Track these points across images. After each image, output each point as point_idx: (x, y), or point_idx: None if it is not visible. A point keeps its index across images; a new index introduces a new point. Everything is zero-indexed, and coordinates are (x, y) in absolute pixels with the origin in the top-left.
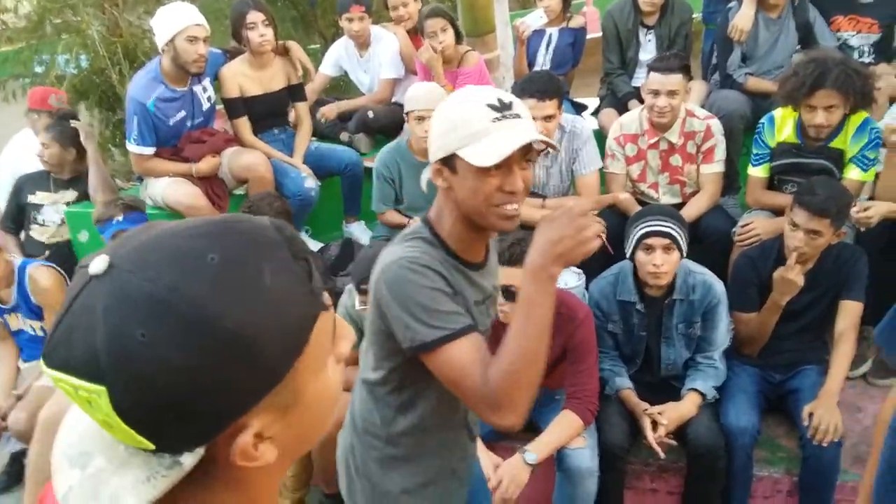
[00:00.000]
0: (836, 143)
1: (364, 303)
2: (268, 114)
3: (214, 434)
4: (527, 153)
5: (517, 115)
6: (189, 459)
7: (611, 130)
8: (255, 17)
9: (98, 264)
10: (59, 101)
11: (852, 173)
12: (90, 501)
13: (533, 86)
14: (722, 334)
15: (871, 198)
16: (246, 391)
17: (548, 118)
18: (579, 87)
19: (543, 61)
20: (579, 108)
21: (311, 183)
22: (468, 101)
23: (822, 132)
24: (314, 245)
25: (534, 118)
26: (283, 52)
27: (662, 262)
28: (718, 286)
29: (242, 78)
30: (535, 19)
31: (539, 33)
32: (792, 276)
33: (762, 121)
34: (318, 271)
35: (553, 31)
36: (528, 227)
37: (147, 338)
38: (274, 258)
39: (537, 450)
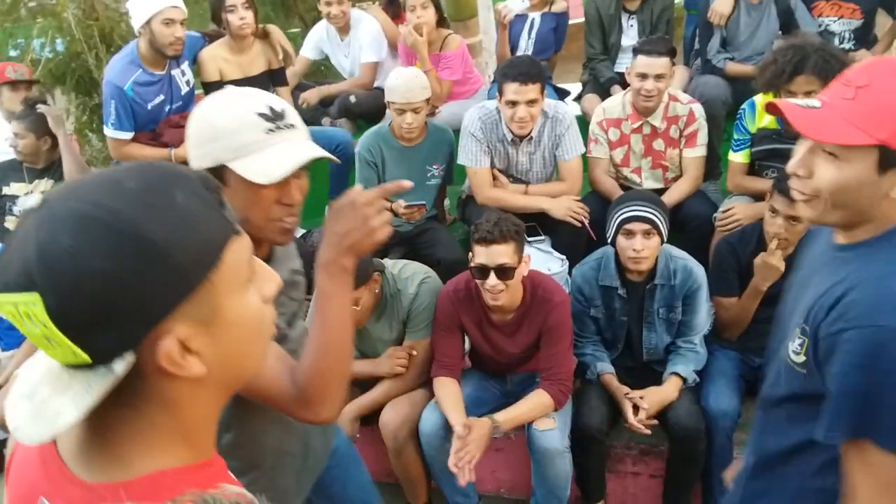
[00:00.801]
0: None
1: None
2: None
3: (140, 337)
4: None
5: (292, 126)
6: (120, 366)
7: (594, 115)
8: None
9: (33, 200)
10: (18, 74)
11: None
12: (37, 421)
13: (515, 70)
14: (702, 319)
15: None
16: (163, 294)
17: (531, 102)
18: (563, 73)
19: (526, 46)
20: (562, 94)
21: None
22: (235, 108)
23: None
24: (296, 231)
25: (517, 102)
26: (263, 36)
27: (643, 248)
28: (699, 271)
29: (222, 62)
30: (517, 3)
31: (521, 18)
32: (773, 261)
33: (743, 107)
34: (225, 208)
35: (535, 16)
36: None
37: (73, 247)
38: (186, 186)
39: (504, 418)
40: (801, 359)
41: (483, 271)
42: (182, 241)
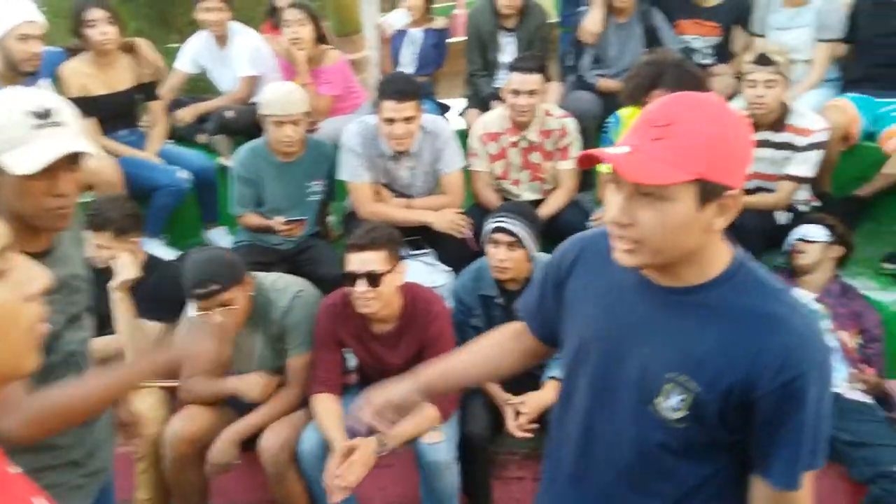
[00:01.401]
0: None
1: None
2: (114, 114)
3: None
4: (74, 159)
5: (60, 123)
6: None
7: (473, 129)
8: (95, 14)
9: None
10: None
11: None
12: None
13: (391, 87)
14: None
15: None
16: None
17: (408, 119)
18: (450, 89)
19: (408, 61)
20: (444, 109)
21: (183, 174)
22: (4, 106)
23: None
24: (171, 253)
25: (394, 120)
26: (130, 50)
27: (505, 258)
28: None
29: (85, 77)
30: (398, 19)
31: (403, 33)
32: None
33: (609, 119)
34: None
35: (417, 32)
36: (398, 227)
37: None
38: None
39: (389, 437)
40: (682, 414)
41: (352, 278)
42: None
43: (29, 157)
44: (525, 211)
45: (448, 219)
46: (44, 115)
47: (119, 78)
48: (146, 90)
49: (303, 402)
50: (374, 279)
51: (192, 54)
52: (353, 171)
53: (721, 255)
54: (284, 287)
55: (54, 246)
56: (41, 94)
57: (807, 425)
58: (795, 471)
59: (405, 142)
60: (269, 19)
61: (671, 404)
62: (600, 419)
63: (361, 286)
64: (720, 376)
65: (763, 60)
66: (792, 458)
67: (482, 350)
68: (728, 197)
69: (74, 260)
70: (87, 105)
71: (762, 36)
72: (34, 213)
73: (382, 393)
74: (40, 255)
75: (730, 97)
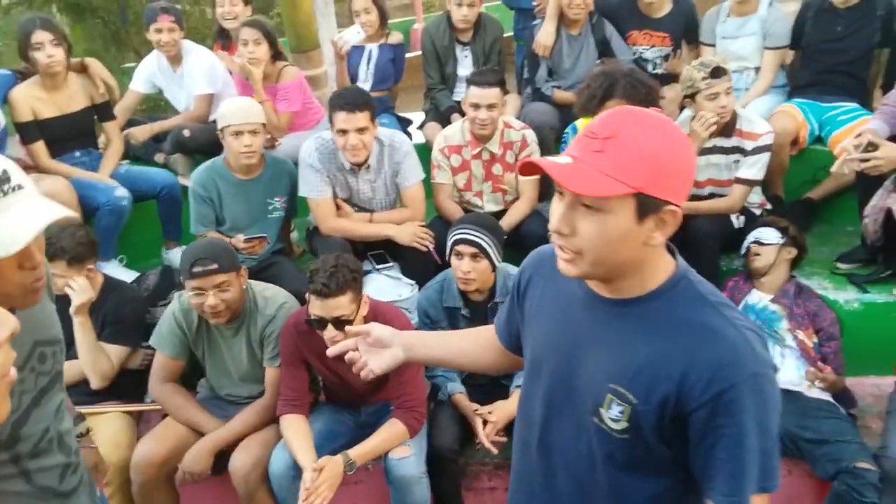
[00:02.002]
0: None
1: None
2: (68, 136)
3: None
4: None
5: (19, 187)
6: None
7: (436, 142)
8: (41, 36)
9: None
10: None
11: None
12: None
13: (342, 100)
14: None
15: None
16: None
17: (360, 130)
18: (409, 103)
19: (365, 77)
20: (405, 123)
21: (122, 192)
22: None
23: None
24: (129, 275)
25: (347, 131)
26: (82, 70)
27: (469, 270)
28: None
29: (35, 101)
30: (352, 35)
31: (359, 49)
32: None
33: (566, 130)
34: None
35: (373, 48)
36: (351, 241)
37: None
38: None
39: (357, 454)
40: (622, 426)
41: (321, 323)
42: None
43: (4, 237)
44: (487, 222)
45: (410, 232)
46: (4, 180)
47: (71, 99)
48: (100, 110)
49: (274, 422)
50: (341, 324)
51: (146, 74)
52: (313, 187)
53: (662, 268)
54: (272, 296)
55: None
56: None
57: (747, 441)
58: (741, 489)
59: (360, 153)
60: (217, 41)
61: (612, 415)
62: (555, 431)
63: (330, 332)
64: (654, 388)
65: (717, 73)
66: (736, 475)
67: (467, 338)
68: (667, 212)
69: (42, 323)
70: (38, 129)
71: (712, 45)
72: (8, 291)
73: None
74: None
75: (682, 107)
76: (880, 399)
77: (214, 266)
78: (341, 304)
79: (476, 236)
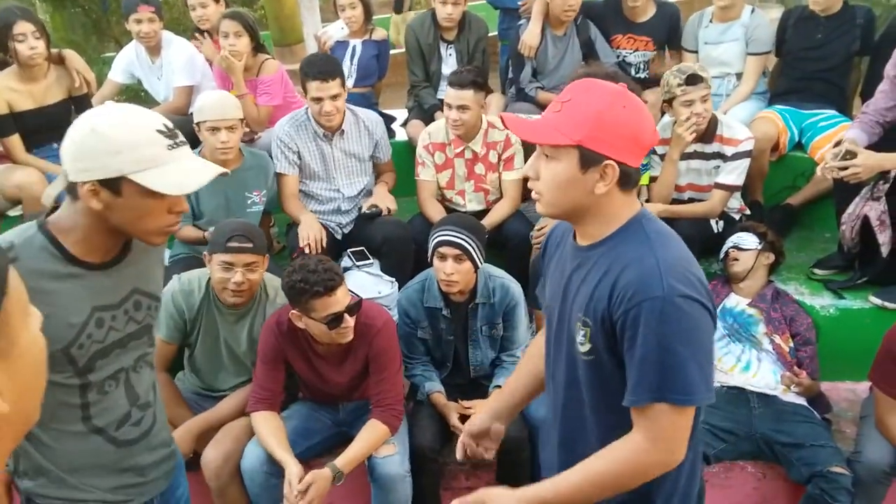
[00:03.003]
0: None
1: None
2: (45, 128)
3: None
4: None
5: (185, 143)
6: None
7: (420, 139)
8: (23, 27)
9: None
10: None
11: None
12: None
13: (314, 69)
14: (522, 333)
15: (647, 200)
16: None
17: (334, 97)
18: (393, 100)
19: (349, 72)
20: (388, 120)
21: None
22: (132, 123)
23: None
24: None
25: (321, 98)
26: (60, 62)
27: (453, 271)
28: (516, 288)
29: (10, 93)
30: (336, 30)
31: (343, 44)
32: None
33: None
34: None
35: (357, 43)
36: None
37: None
38: None
39: (344, 463)
40: (587, 347)
41: (338, 318)
42: None
43: (176, 177)
44: (470, 223)
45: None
46: (172, 134)
47: (49, 91)
48: (77, 103)
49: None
50: (352, 310)
51: (125, 65)
52: (280, 163)
53: (619, 216)
54: (279, 287)
55: (127, 256)
56: (156, 113)
57: (648, 353)
58: (638, 392)
59: (335, 118)
60: (196, 33)
61: (580, 339)
62: (556, 367)
63: (348, 321)
64: (597, 309)
65: (693, 80)
66: (639, 382)
67: (529, 359)
68: (607, 166)
69: (148, 277)
70: (14, 122)
71: (694, 52)
72: (150, 230)
73: (467, 426)
74: (110, 263)
75: (663, 112)
76: (855, 404)
77: (250, 245)
78: (344, 294)
79: (459, 238)
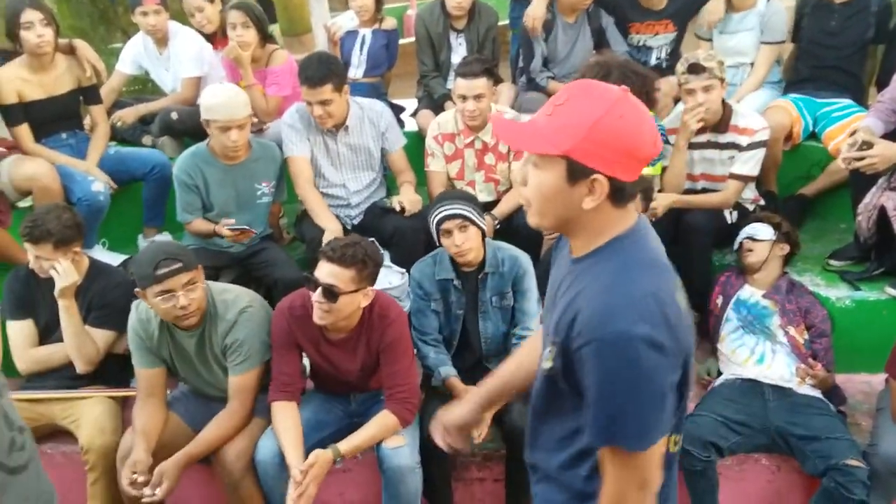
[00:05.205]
0: None
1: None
2: (54, 118)
3: None
4: None
5: None
6: None
7: (429, 130)
8: (31, 16)
9: None
10: None
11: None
12: None
13: (303, 73)
14: (534, 304)
15: (660, 190)
16: None
17: (324, 103)
18: (402, 89)
19: (358, 62)
20: (397, 110)
21: (99, 186)
22: None
23: None
24: (114, 258)
25: (310, 103)
26: (70, 52)
27: (462, 241)
28: (524, 258)
29: (20, 82)
30: (346, 20)
31: (353, 34)
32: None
33: None
34: None
35: (366, 33)
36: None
37: None
38: None
39: (346, 448)
40: (549, 364)
41: (314, 284)
42: None
43: None
44: (459, 193)
45: (414, 198)
46: None
47: (58, 81)
48: (86, 93)
49: (259, 411)
50: (331, 294)
51: (132, 55)
52: (293, 145)
53: (605, 232)
54: (233, 299)
55: None
56: None
57: (599, 395)
58: (593, 433)
59: (327, 121)
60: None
61: (545, 355)
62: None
63: (317, 296)
64: (560, 333)
65: (695, 69)
66: (591, 423)
67: (520, 351)
68: (595, 180)
69: None
70: (24, 111)
71: (709, 40)
72: None
73: (449, 416)
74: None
75: (677, 100)
76: (870, 396)
77: (179, 264)
78: (338, 275)
79: (456, 208)
